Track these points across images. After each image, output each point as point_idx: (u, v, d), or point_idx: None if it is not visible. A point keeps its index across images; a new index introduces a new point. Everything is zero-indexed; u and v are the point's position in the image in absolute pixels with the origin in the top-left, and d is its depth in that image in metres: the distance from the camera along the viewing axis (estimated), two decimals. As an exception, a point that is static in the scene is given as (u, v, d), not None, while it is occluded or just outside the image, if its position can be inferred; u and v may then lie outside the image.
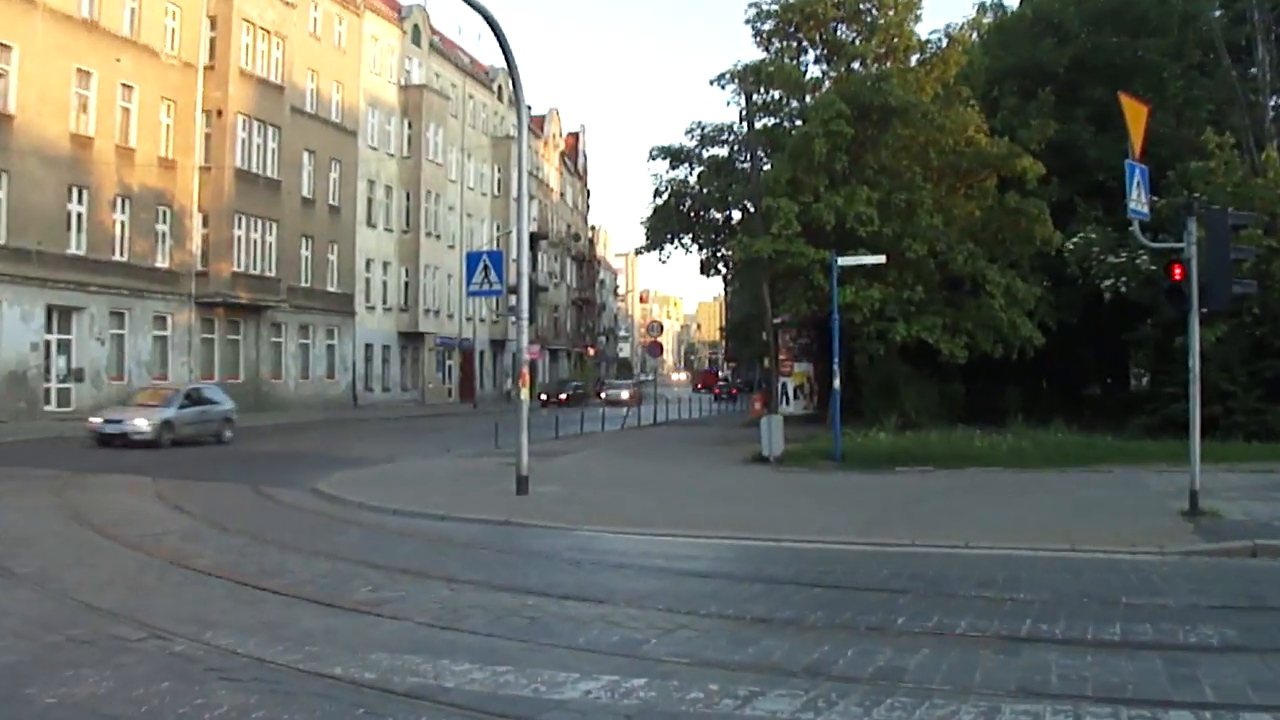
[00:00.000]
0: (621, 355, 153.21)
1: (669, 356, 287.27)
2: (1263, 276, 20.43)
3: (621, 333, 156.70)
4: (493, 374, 65.09)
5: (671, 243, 32.88)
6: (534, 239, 67.52)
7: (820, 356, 31.96)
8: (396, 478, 18.04)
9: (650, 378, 72.86)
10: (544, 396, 51.63)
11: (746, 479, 18.20)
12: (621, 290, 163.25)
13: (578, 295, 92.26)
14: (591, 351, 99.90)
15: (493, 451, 23.68)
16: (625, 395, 53.77)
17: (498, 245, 56.26)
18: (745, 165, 32.71)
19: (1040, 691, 6.20)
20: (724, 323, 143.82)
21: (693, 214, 32.95)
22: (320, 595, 8.52)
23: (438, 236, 55.70)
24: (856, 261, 22.46)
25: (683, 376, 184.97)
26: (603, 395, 55.74)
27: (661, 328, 46.22)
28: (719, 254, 33.35)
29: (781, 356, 33.59)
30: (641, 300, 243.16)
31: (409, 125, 53.55)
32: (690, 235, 33.13)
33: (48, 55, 30.98)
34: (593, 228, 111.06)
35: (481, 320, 62.83)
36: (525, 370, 15.32)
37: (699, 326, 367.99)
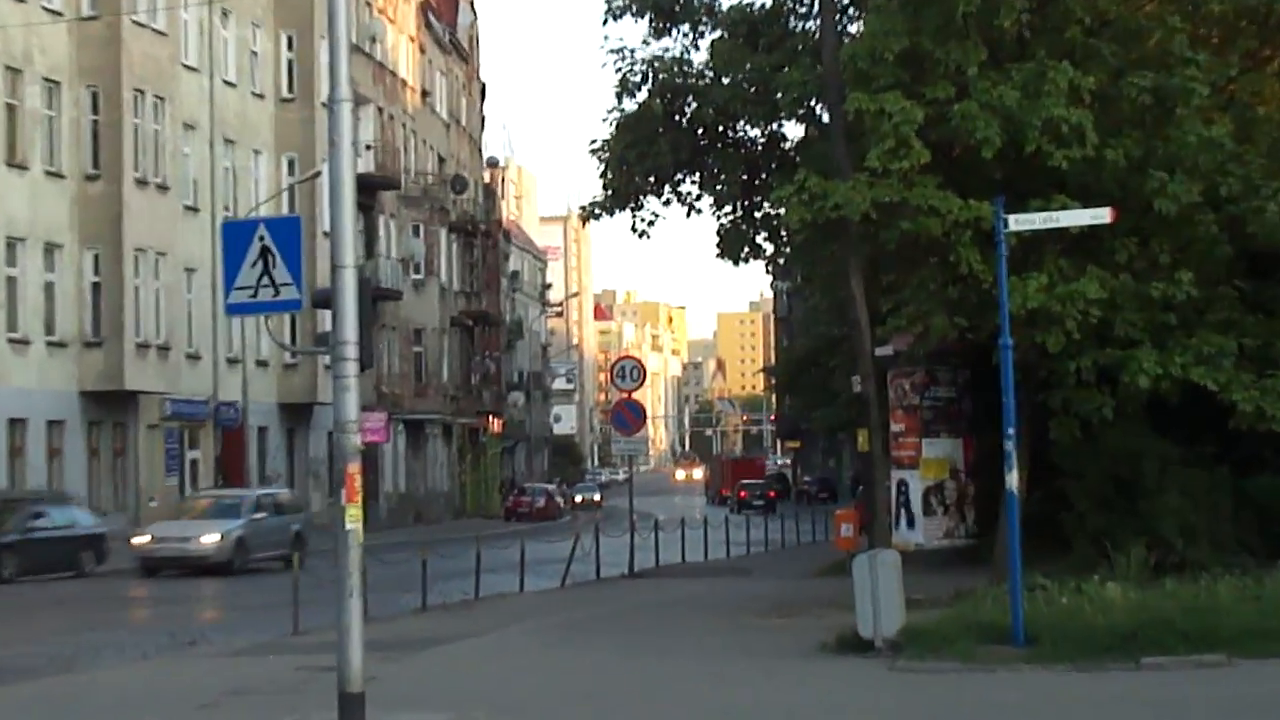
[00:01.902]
0: (558, 428, 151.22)
1: (660, 429, 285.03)
2: None
3: (559, 382, 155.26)
4: (288, 473, 64.91)
5: (658, 193, 32.96)
6: (367, 188, 67.62)
7: (978, 425, 32.01)
8: (78, 708, 17.75)
9: (619, 475, 71.34)
10: None
11: (827, 691, 18.28)
12: (556, 295, 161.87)
13: (465, 308, 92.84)
14: (496, 424, 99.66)
15: (288, 641, 23.47)
16: (204, 543, 41.94)
17: (292, 207, 56.07)
18: (809, 26, 32.71)
19: None
20: (772, 359, 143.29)
21: (701, 131, 33.04)
22: None
23: (162, 187, 55.72)
24: (1049, 223, 22.79)
25: (695, 474, 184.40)
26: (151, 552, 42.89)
27: (642, 372, 45.67)
28: (758, 214, 33.36)
29: (897, 426, 33.63)
30: (597, 315, 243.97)
31: (96, -49, 53.68)
32: (697, 176, 33.17)
33: None
34: (493, 164, 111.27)
35: (261, 364, 62.88)
36: (353, 470, 15.17)
37: (720, 367, 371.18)
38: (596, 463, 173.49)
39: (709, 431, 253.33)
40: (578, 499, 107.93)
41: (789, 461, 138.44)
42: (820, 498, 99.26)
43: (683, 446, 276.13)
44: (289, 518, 45.49)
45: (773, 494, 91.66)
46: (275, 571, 39.17)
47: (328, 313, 15.55)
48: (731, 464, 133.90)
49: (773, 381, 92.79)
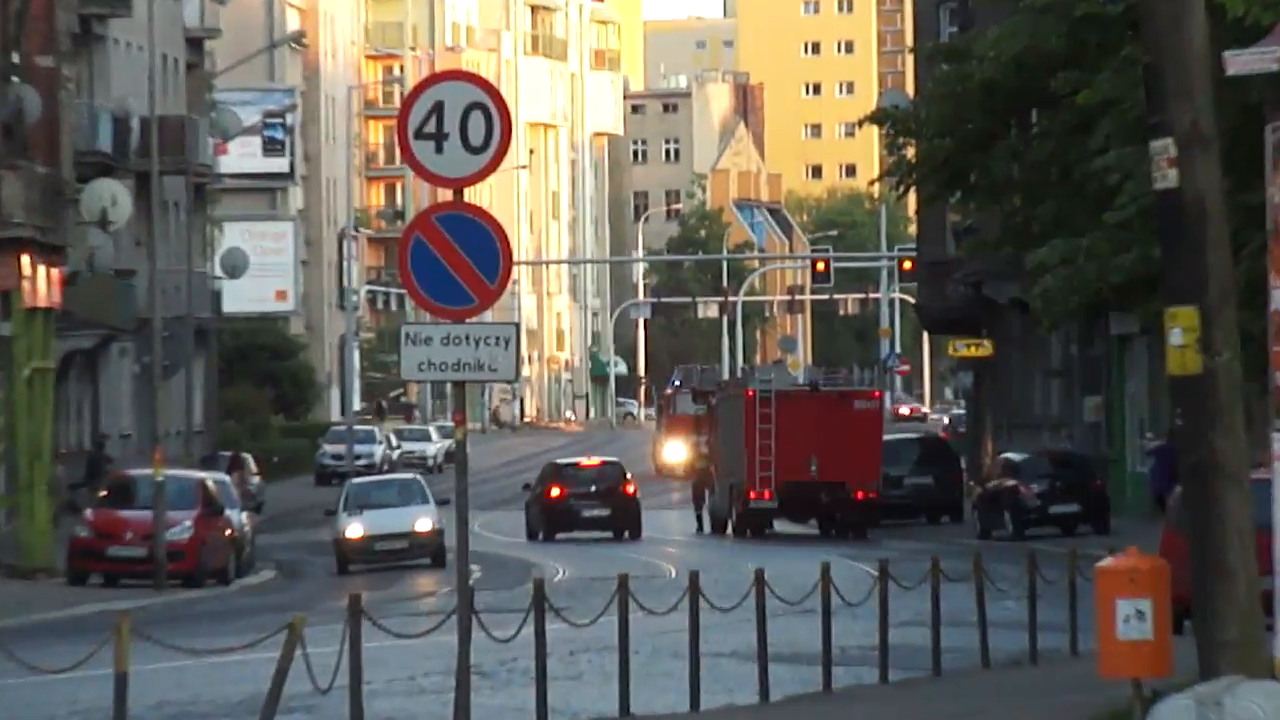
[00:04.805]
0: (241, 298, 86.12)
1: (559, 299, 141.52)
2: None
3: (244, 156, 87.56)
4: None
5: None
6: None
7: None
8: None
9: (429, 446, 60.73)
10: None
11: None
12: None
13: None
14: (46, 282, 50.77)
15: None
16: None
17: None
18: None
19: None
20: (907, 84, 72.35)
21: None
22: None
23: None
24: None
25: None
26: None
27: (496, 122, 15.90)
28: None
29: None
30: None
31: None
32: None
33: None
34: None
35: None
36: None
37: (745, 110, 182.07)
38: (361, 401, 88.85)
39: (710, 309, 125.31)
40: (360, 534, 54.82)
41: (955, 403, 75.61)
42: (1054, 516, 54.31)
43: (632, 359, 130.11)
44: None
45: (629, 488, 56.07)
46: None
47: None
48: (779, 403, 64.03)
49: (900, 151, 46.53)
